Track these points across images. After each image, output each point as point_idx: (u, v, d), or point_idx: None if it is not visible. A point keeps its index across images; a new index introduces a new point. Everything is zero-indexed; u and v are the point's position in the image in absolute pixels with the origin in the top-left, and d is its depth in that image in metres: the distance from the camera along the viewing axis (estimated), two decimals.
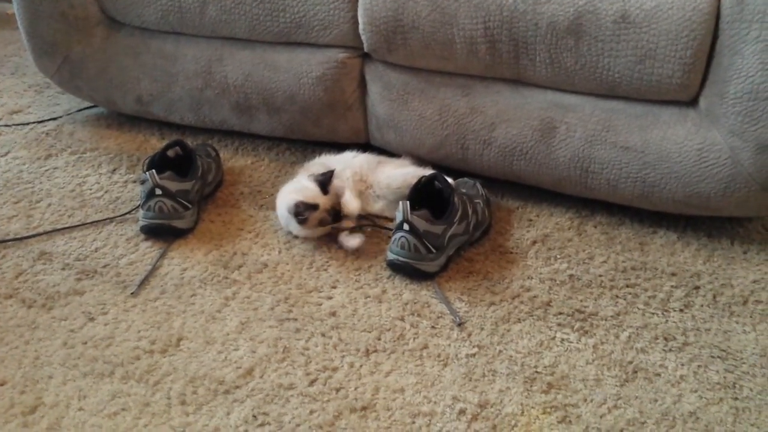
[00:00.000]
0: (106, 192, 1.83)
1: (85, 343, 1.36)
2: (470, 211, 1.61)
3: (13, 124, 2.18)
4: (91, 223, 1.71)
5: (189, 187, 1.66)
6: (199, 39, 1.95)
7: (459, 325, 1.41)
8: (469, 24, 1.62)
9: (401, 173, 1.72)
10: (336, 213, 1.62)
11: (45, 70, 2.10)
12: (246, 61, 1.90)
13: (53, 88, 2.43)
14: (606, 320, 1.42)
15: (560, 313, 1.43)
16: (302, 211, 1.58)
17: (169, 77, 1.99)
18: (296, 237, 1.64)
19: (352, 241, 1.60)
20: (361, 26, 1.73)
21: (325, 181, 1.63)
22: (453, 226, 1.54)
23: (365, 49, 1.78)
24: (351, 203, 1.66)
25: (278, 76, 1.88)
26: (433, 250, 1.52)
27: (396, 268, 1.54)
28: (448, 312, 1.44)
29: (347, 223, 1.64)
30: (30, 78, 2.52)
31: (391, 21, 1.68)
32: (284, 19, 1.80)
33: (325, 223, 1.60)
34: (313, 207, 1.59)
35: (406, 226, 1.50)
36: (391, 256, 1.54)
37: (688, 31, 1.48)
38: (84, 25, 2.00)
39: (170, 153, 1.74)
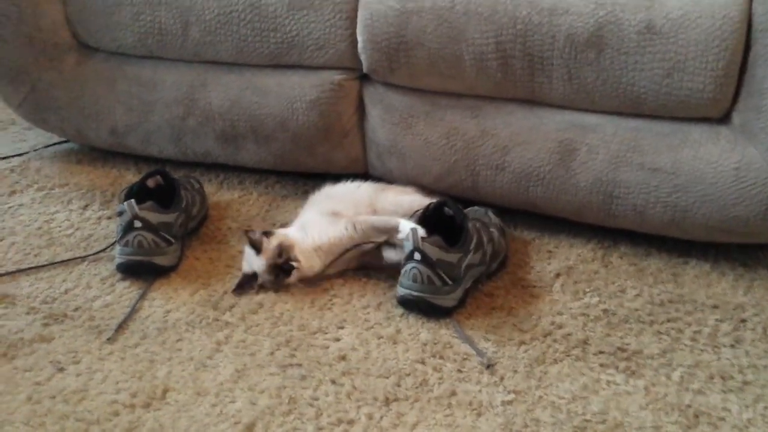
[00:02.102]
0: (77, 229, 1.65)
1: (54, 397, 1.16)
2: (485, 240, 1.45)
3: None
4: (60, 262, 1.52)
5: (172, 219, 1.48)
6: (180, 64, 1.79)
7: (488, 367, 1.23)
8: (480, 39, 1.49)
9: (408, 199, 1.57)
10: (282, 266, 1.41)
11: (9, 100, 1.93)
12: (232, 86, 1.75)
13: (18, 124, 2.24)
14: (653, 359, 1.26)
15: (601, 352, 1.27)
16: (245, 283, 1.43)
17: (146, 106, 1.83)
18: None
19: (396, 254, 1.42)
20: (360, 44, 1.59)
21: (254, 243, 1.43)
22: (469, 255, 1.38)
23: (364, 70, 1.64)
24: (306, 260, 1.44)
25: (268, 101, 1.72)
26: (449, 282, 1.35)
27: (408, 304, 1.37)
28: (474, 353, 1.26)
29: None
30: None
31: (394, 38, 1.54)
32: (275, 40, 1.66)
33: (274, 284, 1.42)
34: (252, 277, 1.42)
35: (417, 255, 1.34)
36: (402, 290, 1.37)
37: (719, 41, 1.37)
38: (53, 50, 1.84)
39: (150, 183, 1.56)
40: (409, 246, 1.35)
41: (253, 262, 1.42)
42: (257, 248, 1.42)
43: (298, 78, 1.70)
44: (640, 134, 1.49)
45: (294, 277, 1.42)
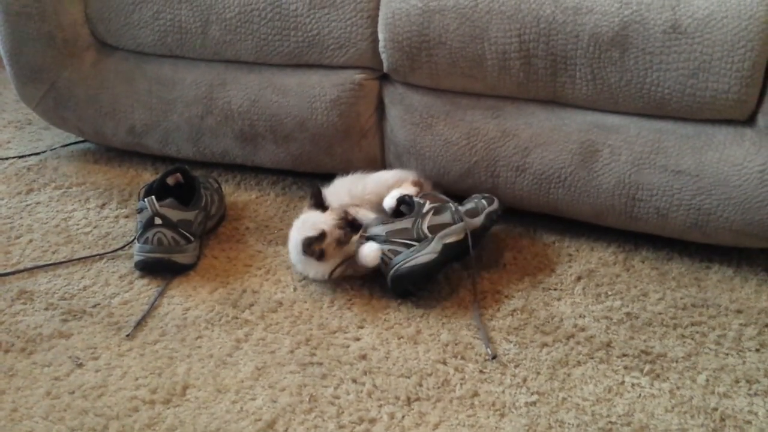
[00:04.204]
0: (94, 227, 1.64)
1: (73, 392, 1.15)
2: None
3: None
4: (79, 259, 1.51)
5: (192, 217, 1.48)
6: (200, 62, 1.79)
7: (493, 358, 1.24)
8: (502, 38, 1.48)
9: (390, 175, 1.64)
10: (352, 223, 1.43)
11: (28, 99, 1.92)
12: (252, 86, 1.74)
13: (35, 124, 2.24)
14: (677, 362, 1.24)
15: (625, 355, 1.25)
16: (312, 246, 1.38)
17: (165, 105, 1.82)
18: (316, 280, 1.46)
19: (370, 252, 1.40)
20: (381, 44, 1.58)
21: (317, 199, 1.45)
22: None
23: (384, 69, 1.63)
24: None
25: (288, 100, 1.71)
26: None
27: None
28: (483, 343, 1.26)
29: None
30: (9, 114, 2.34)
31: (416, 36, 1.53)
32: (295, 39, 1.65)
33: (344, 240, 1.40)
34: (321, 237, 1.38)
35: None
36: None
37: (745, 41, 1.35)
38: (73, 48, 1.83)
39: (170, 180, 1.56)
40: None
41: (318, 221, 1.41)
42: (323, 205, 1.43)
43: (318, 77, 1.69)
44: (663, 136, 1.47)
45: (355, 237, 1.42)
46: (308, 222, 1.43)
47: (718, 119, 1.44)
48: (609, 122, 1.51)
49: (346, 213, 1.44)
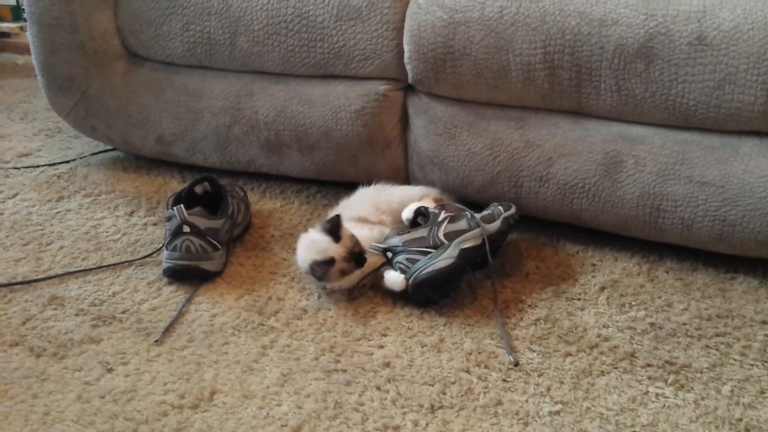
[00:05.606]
0: (123, 234, 1.67)
1: (103, 396, 1.17)
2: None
3: (23, 167, 2.03)
4: (108, 266, 1.54)
5: (219, 225, 1.50)
6: (228, 73, 1.82)
7: (516, 365, 1.25)
8: (527, 49, 1.49)
9: (416, 190, 1.68)
10: (358, 256, 1.42)
11: (59, 108, 1.96)
12: (278, 96, 1.76)
13: (65, 132, 2.29)
14: (702, 373, 1.24)
15: (649, 365, 1.25)
16: (318, 270, 1.39)
17: (193, 114, 1.85)
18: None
19: (397, 278, 1.41)
20: (406, 55, 1.60)
21: (333, 229, 1.42)
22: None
23: (409, 80, 1.65)
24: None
25: (313, 111, 1.74)
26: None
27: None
28: (505, 350, 1.26)
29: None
30: (40, 123, 2.39)
31: (441, 48, 1.55)
32: (322, 50, 1.67)
33: (348, 272, 1.41)
34: (329, 262, 1.40)
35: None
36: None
37: None
38: (104, 59, 1.87)
39: (198, 189, 1.58)
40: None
41: (329, 249, 1.40)
42: (337, 236, 1.41)
43: (344, 88, 1.71)
44: (688, 147, 1.48)
45: (359, 271, 1.43)
46: (317, 245, 1.42)
47: (744, 131, 1.44)
48: (634, 133, 1.52)
49: (355, 245, 1.42)
